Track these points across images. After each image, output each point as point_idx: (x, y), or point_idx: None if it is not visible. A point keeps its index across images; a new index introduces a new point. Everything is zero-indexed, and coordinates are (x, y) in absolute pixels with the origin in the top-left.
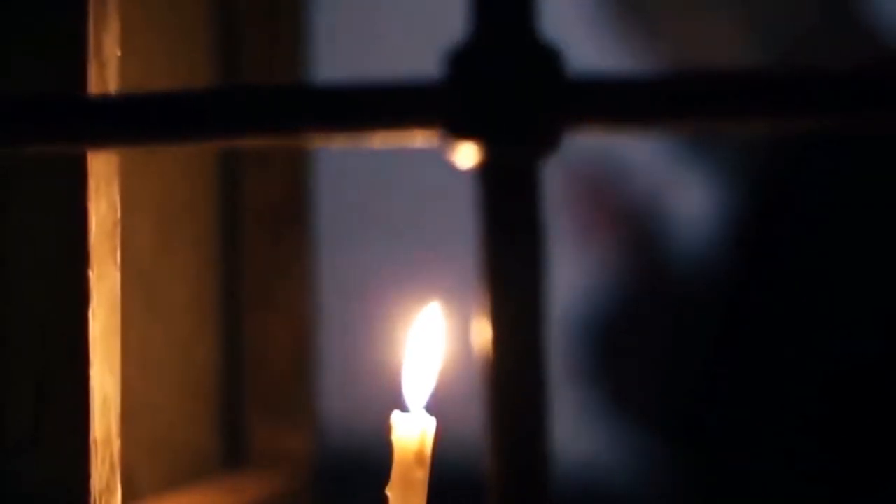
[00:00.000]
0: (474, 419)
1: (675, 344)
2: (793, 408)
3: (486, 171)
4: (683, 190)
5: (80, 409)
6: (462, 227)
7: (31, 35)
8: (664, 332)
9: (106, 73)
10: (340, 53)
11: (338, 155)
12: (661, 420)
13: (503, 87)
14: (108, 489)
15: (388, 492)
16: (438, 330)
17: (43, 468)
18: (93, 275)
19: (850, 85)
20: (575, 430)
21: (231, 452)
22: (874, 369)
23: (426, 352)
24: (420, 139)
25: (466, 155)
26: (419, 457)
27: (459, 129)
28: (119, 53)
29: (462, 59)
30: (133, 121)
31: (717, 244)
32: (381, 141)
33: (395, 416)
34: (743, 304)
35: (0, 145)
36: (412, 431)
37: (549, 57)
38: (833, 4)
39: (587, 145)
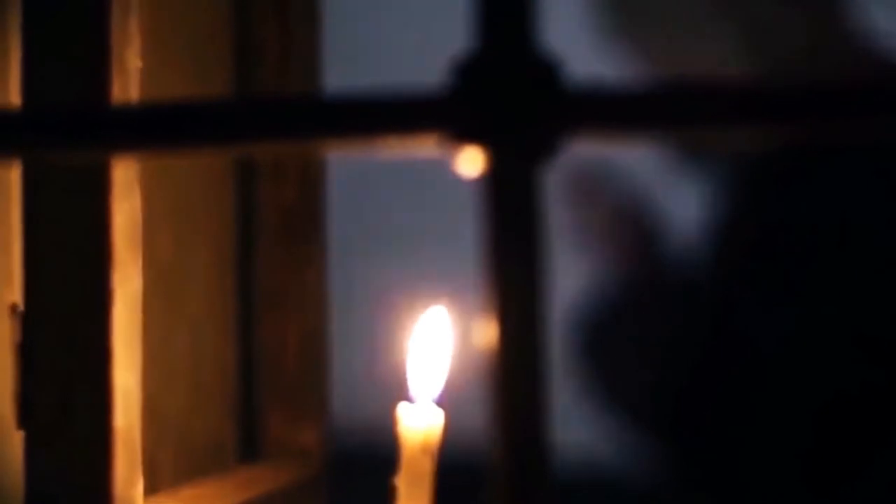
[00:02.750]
0: (475, 412)
1: (667, 343)
2: (784, 408)
3: (488, 177)
4: (678, 191)
5: (103, 403)
6: (467, 229)
7: (58, 49)
8: (655, 331)
9: (128, 83)
10: (350, 62)
11: (348, 161)
12: (651, 417)
13: (504, 97)
14: (130, 480)
15: (397, 481)
16: (444, 330)
17: (68, 460)
18: (116, 276)
19: (841, 94)
20: (577, 424)
21: (247, 445)
22: (866, 369)
23: (433, 349)
24: (427, 146)
25: (469, 161)
26: (426, 447)
27: (463, 136)
28: (140, 64)
29: (466, 70)
30: (152, 130)
31: (710, 245)
32: (390, 148)
33: (403, 408)
34: (735, 304)
35: (29, 151)
36: (420, 423)
37: (547, 68)
38: (826, 17)
39: (588, 151)
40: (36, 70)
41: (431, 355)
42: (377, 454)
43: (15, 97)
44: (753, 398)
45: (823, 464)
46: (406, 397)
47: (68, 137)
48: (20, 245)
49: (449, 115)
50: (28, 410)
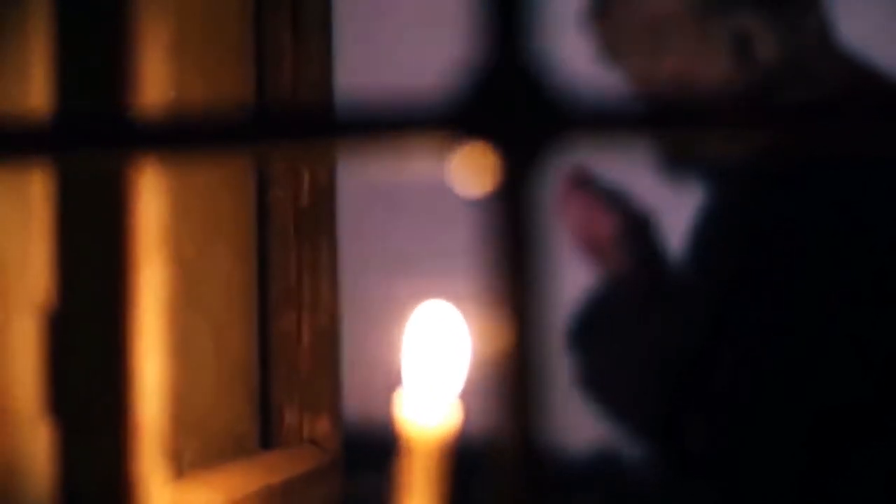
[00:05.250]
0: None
1: (659, 342)
2: (779, 408)
3: (489, 176)
4: (675, 194)
5: (129, 395)
6: (471, 227)
7: (86, 58)
8: (648, 330)
9: (152, 90)
10: (359, 63)
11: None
12: (639, 418)
13: (503, 101)
14: (155, 467)
15: (403, 476)
16: (455, 324)
17: (94, 449)
18: (141, 275)
19: (819, 103)
20: (582, 417)
21: (265, 435)
22: (856, 374)
23: (444, 344)
24: (431, 146)
25: (470, 160)
26: (438, 442)
27: (464, 137)
28: (161, 71)
29: (468, 75)
30: (173, 137)
31: (703, 247)
32: (397, 149)
33: (410, 403)
34: (729, 304)
35: (55, 156)
36: (430, 419)
37: (544, 75)
38: (807, 26)
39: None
40: (63, 77)
41: (443, 350)
42: (386, 442)
43: (37, 101)
44: (746, 398)
45: (816, 460)
46: (412, 392)
47: (94, 144)
48: (41, 246)
49: (452, 117)
50: (56, 402)
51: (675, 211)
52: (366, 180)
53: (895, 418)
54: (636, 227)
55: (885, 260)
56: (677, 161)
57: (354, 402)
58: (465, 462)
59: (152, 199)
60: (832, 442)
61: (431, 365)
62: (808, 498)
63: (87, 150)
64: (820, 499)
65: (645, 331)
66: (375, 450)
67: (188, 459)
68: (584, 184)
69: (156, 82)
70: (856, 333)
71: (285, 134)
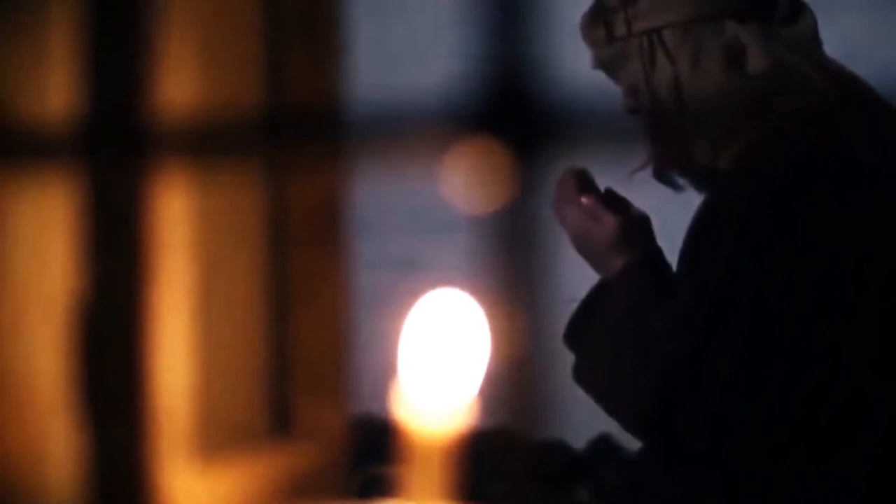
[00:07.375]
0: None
1: (654, 340)
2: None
3: (486, 171)
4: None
5: (149, 388)
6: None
7: (105, 62)
8: (637, 331)
9: (171, 94)
10: (362, 67)
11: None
12: (636, 413)
13: (504, 108)
14: (171, 458)
15: (411, 464)
16: (468, 318)
17: (116, 439)
18: (162, 271)
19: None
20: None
21: (277, 427)
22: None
23: (454, 338)
24: (437, 148)
25: (473, 162)
26: (443, 435)
27: (468, 139)
28: (177, 77)
29: (472, 86)
30: (189, 142)
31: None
32: (404, 151)
33: (410, 392)
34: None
35: (76, 158)
36: (437, 409)
37: (539, 86)
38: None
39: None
40: (85, 80)
41: (454, 344)
42: (394, 438)
43: (59, 104)
44: (744, 394)
45: (813, 456)
46: (419, 387)
47: (115, 148)
48: (65, 244)
49: (454, 120)
50: (78, 394)
51: (675, 211)
52: (370, 181)
53: (892, 414)
54: (634, 229)
55: (881, 260)
56: (672, 166)
57: (362, 397)
58: (469, 456)
59: (172, 203)
60: (830, 438)
61: (440, 360)
62: (805, 493)
63: (109, 154)
64: (818, 494)
65: (642, 329)
66: (382, 443)
67: (202, 450)
68: (582, 186)
69: (175, 85)
70: (853, 330)
71: (296, 137)
